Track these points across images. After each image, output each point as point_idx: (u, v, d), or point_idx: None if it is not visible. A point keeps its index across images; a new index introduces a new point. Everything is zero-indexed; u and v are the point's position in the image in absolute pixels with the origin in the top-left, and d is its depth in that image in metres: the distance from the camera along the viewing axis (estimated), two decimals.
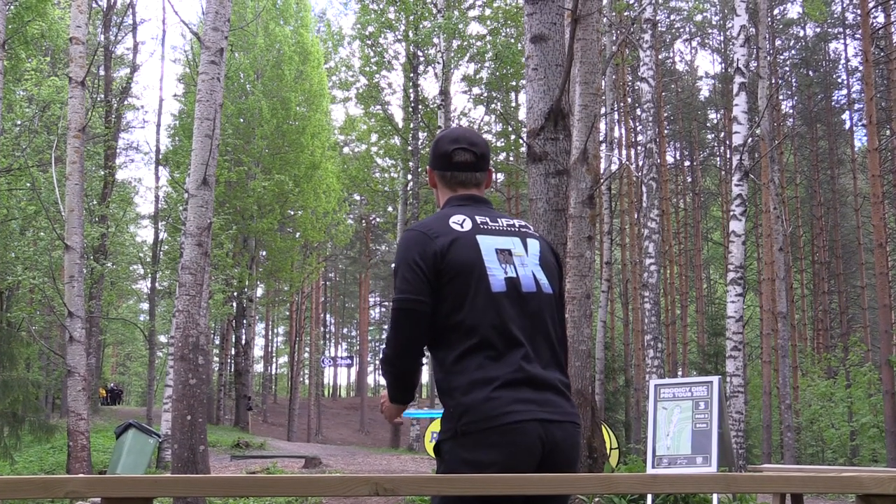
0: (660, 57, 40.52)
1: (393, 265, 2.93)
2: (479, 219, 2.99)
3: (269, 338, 65.07)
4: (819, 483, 2.65)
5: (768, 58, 24.60)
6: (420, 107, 30.88)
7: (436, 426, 17.64)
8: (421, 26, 29.49)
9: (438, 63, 29.67)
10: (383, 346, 2.86)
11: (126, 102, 34.78)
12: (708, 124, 48.42)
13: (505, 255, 2.92)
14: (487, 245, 2.92)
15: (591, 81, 9.65)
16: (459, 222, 2.95)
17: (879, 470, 11.90)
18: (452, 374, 2.79)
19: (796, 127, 43.60)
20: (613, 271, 30.19)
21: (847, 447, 28.08)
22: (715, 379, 8.46)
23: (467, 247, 2.88)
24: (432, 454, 16.88)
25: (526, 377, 2.78)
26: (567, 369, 2.98)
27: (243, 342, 36.19)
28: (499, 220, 3.03)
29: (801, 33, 43.64)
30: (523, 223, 3.12)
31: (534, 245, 3.03)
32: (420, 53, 31.00)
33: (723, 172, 43.36)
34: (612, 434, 14.19)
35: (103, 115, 29.47)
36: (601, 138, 19.51)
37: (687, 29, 48.22)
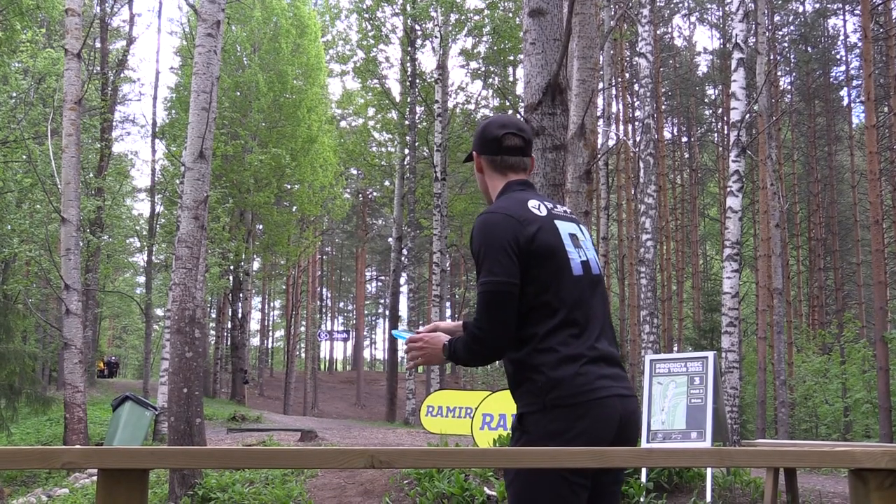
0: (658, 32, 40.37)
1: (475, 245, 3.00)
2: (548, 204, 3.14)
3: (266, 311, 65.18)
4: (812, 457, 2.66)
5: (767, 34, 24.50)
6: (417, 81, 30.77)
7: (434, 400, 17.70)
8: (418, 0, 29.34)
9: (436, 37, 29.55)
10: (475, 330, 2.94)
11: (122, 75, 34.63)
12: (706, 100, 48.34)
13: (575, 240, 3.10)
14: (564, 230, 3.08)
15: (588, 56, 9.62)
16: (536, 207, 3.08)
17: (872, 445, 11.98)
18: (539, 351, 2.91)
19: (794, 103, 43.51)
20: (610, 247, 30.21)
21: (841, 423, 28.23)
22: (710, 354, 8.48)
23: (551, 232, 3.03)
24: (429, 429, 16.89)
25: (602, 354, 2.97)
26: None
27: (240, 316, 36.24)
28: (557, 206, 3.18)
29: (800, 9, 43.48)
30: (569, 209, 3.28)
31: (585, 231, 3.23)
32: (417, 27, 30.85)
33: (720, 148, 43.34)
34: None
35: (99, 87, 29.38)
36: (599, 113, 19.45)
37: (686, 4, 48.04)
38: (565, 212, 3.20)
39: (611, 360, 3.00)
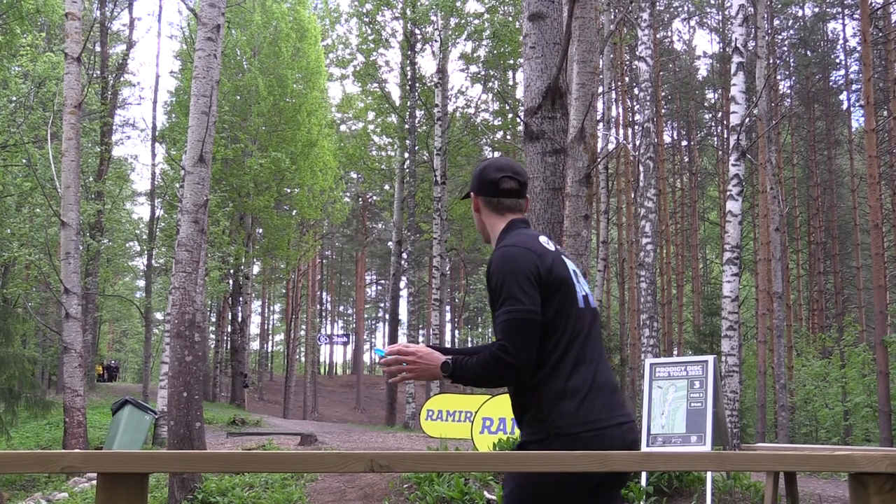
0: (658, 36, 40.38)
1: (496, 276, 3.12)
2: (552, 242, 3.35)
3: (266, 315, 65.15)
4: (812, 461, 2.66)
5: (766, 37, 24.52)
6: (417, 85, 30.78)
7: (434, 404, 17.69)
8: (418, 3, 29.36)
9: (436, 41, 29.56)
10: (504, 355, 3.01)
11: (122, 79, 34.65)
12: (705, 104, 48.33)
13: (577, 276, 3.28)
14: (570, 265, 3.27)
15: (588, 60, 9.63)
16: (546, 242, 3.26)
17: (872, 449, 11.97)
18: (548, 378, 3.05)
19: (794, 107, 43.51)
20: (610, 250, 30.22)
21: (840, 427, 28.21)
22: (710, 358, 8.47)
23: (562, 265, 3.20)
24: (428, 433, 16.87)
25: (604, 383, 3.12)
26: None
27: (239, 319, 36.21)
28: (555, 244, 3.37)
29: (800, 13, 43.50)
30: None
31: (579, 267, 3.41)
32: (417, 31, 30.87)
33: (720, 152, 43.34)
34: None
35: (99, 91, 29.40)
36: (598, 117, 19.46)
37: (685, 8, 48.06)
38: (563, 250, 3.39)
39: (614, 389, 3.16)
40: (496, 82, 33.45)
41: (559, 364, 3.05)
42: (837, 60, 43.22)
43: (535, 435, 3.04)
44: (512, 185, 3.35)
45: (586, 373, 3.07)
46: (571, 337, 3.09)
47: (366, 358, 66.97)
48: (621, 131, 40.25)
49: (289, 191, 34.48)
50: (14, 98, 22.05)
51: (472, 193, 3.44)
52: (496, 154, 42.15)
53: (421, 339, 38.79)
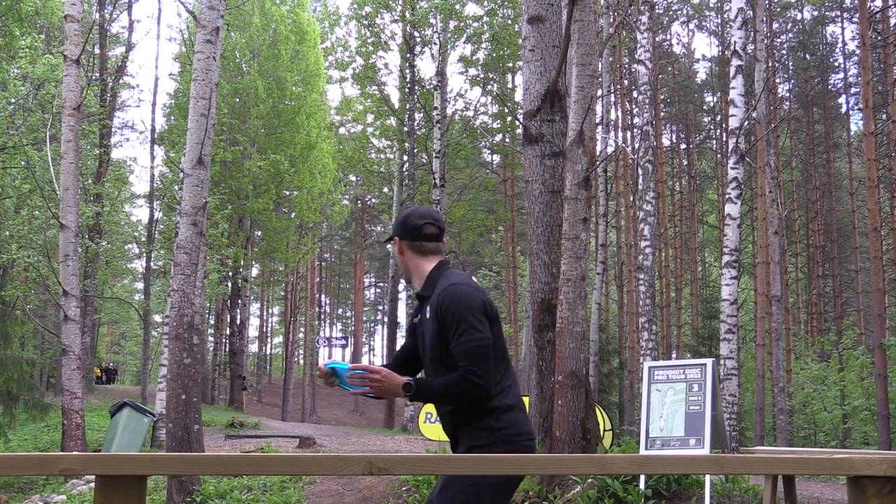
0: (657, 39, 40.39)
1: (451, 311, 3.53)
2: None
3: (264, 318, 65.11)
4: (811, 465, 2.66)
5: (765, 41, 24.52)
6: (416, 88, 30.77)
7: (433, 407, 17.67)
8: (418, 6, 29.35)
9: (435, 44, 29.56)
10: (474, 378, 3.46)
11: (121, 81, 34.68)
12: (704, 107, 48.36)
13: None
14: None
15: (587, 63, 9.63)
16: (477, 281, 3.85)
17: (871, 452, 11.96)
18: (496, 396, 3.54)
19: (793, 110, 43.54)
20: (609, 253, 30.20)
21: (839, 430, 28.21)
22: (709, 361, 8.46)
23: (491, 301, 3.67)
24: (427, 436, 16.91)
25: (522, 402, 3.73)
26: None
27: (238, 322, 36.20)
28: None
29: (799, 16, 43.55)
30: None
31: None
32: (417, 34, 30.87)
33: (719, 155, 43.35)
34: (605, 415, 14.23)
35: (98, 93, 29.39)
36: (597, 120, 19.44)
37: (684, 11, 48.11)
38: None
39: (524, 407, 3.76)
40: (495, 85, 33.45)
41: (501, 383, 3.56)
42: (836, 64, 43.26)
43: (482, 440, 3.51)
44: (433, 231, 3.78)
45: (517, 391, 3.66)
46: (506, 361, 3.63)
47: (365, 360, 66.87)
48: (620, 134, 40.28)
49: (288, 193, 34.49)
50: (13, 100, 22.03)
51: (396, 238, 3.85)
52: (495, 157, 42.19)
53: None
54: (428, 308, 3.68)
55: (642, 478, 8.22)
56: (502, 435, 3.50)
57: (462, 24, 29.99)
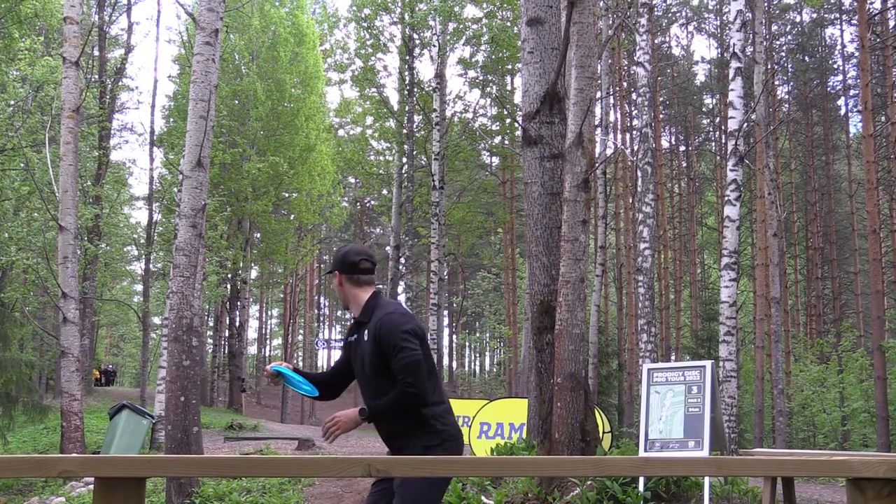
0: (656, 41, 40.42)
1: (388, 336, 4.24)
2: None
3: (263, 320, 64.99)
4: (810, 467, 2.66)
5: (765, 43, 24.54)
6: (416, 90, 30.76)
7: None
8: (417, 8, 29.34)
9: (434, 46, 29.56)
10: (410, 388, 4.15)
11: (120, 83, 34.64)
12: (703, 109, 48.35)
13: None
14: None
15: (586, 65, 9.63)
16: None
17: (870, 454, 11.95)
18: (433, 404, 4.25)
19: (792, 112, 43.57)
20: (608, 255, 30.22)
21: (838, 432, 28.20)
22: (708, 363, 8.46)
23: (420, 324, 4.43)
24: None
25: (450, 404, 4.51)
26: None
27: (237, 324, 36.19)
28: None
29: (798, 18, 43.56)
30: None
31: None
32: (416, 36, 30.86)
33: (718, 157, 43.34)
34: (604, 418, 14.22)
35: (97, 95, 29.41)
36: (596, 122, 19.44)
37: (683, 13, 48.13)
38: None
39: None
40: (494, 87, 33.45)
41: (434, 391, 4.26)
42: (835, 66, 43.30)
43: (432, 440, 4.22)
44: (367, 266, 4.55)
45: (445, 397, 4.40)
46: (435, 373, 4.32)
47: None
48: (619, 136, 40.30)
49: (287, 195, 34.48)
50: (12, 102, 22.03)
51: (336, 272, 4.57)
52: (494, 159, 42.21)
53: None
54: (366, 332, 4.36)
55: (641, 480, 8.22)
56: (446, 434, 4.25)
57: (461, 26, 29.99)
